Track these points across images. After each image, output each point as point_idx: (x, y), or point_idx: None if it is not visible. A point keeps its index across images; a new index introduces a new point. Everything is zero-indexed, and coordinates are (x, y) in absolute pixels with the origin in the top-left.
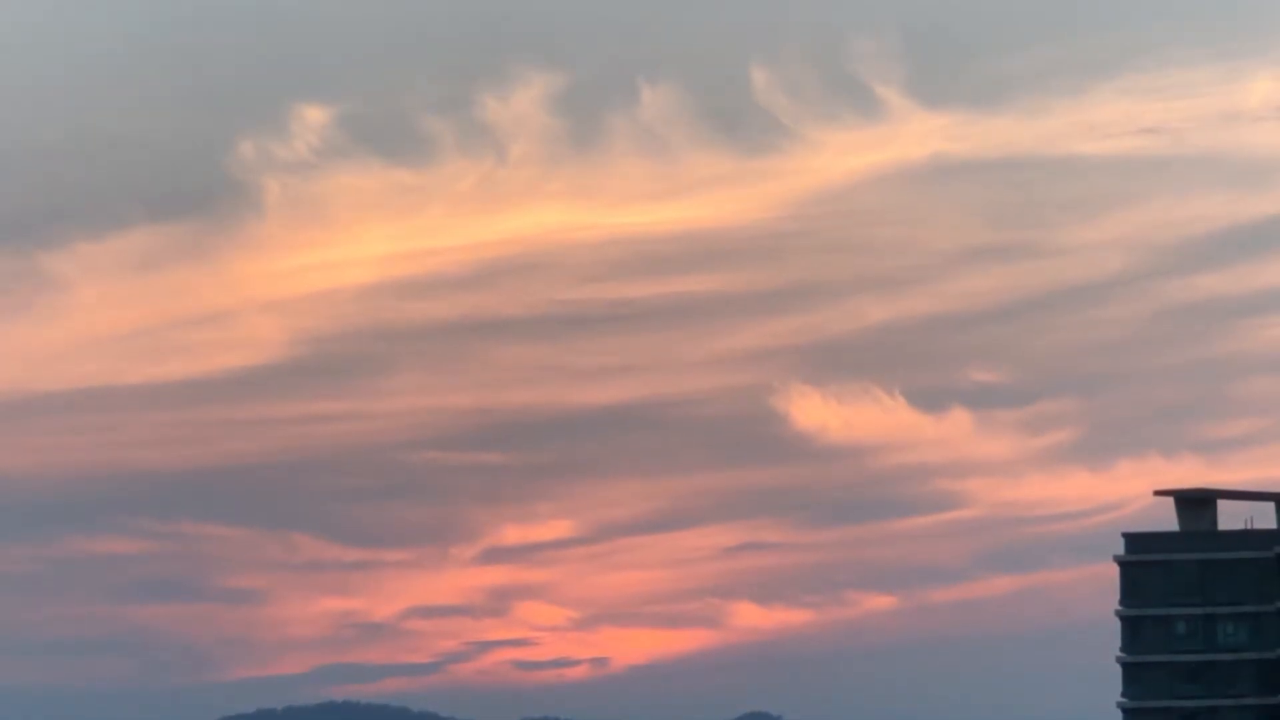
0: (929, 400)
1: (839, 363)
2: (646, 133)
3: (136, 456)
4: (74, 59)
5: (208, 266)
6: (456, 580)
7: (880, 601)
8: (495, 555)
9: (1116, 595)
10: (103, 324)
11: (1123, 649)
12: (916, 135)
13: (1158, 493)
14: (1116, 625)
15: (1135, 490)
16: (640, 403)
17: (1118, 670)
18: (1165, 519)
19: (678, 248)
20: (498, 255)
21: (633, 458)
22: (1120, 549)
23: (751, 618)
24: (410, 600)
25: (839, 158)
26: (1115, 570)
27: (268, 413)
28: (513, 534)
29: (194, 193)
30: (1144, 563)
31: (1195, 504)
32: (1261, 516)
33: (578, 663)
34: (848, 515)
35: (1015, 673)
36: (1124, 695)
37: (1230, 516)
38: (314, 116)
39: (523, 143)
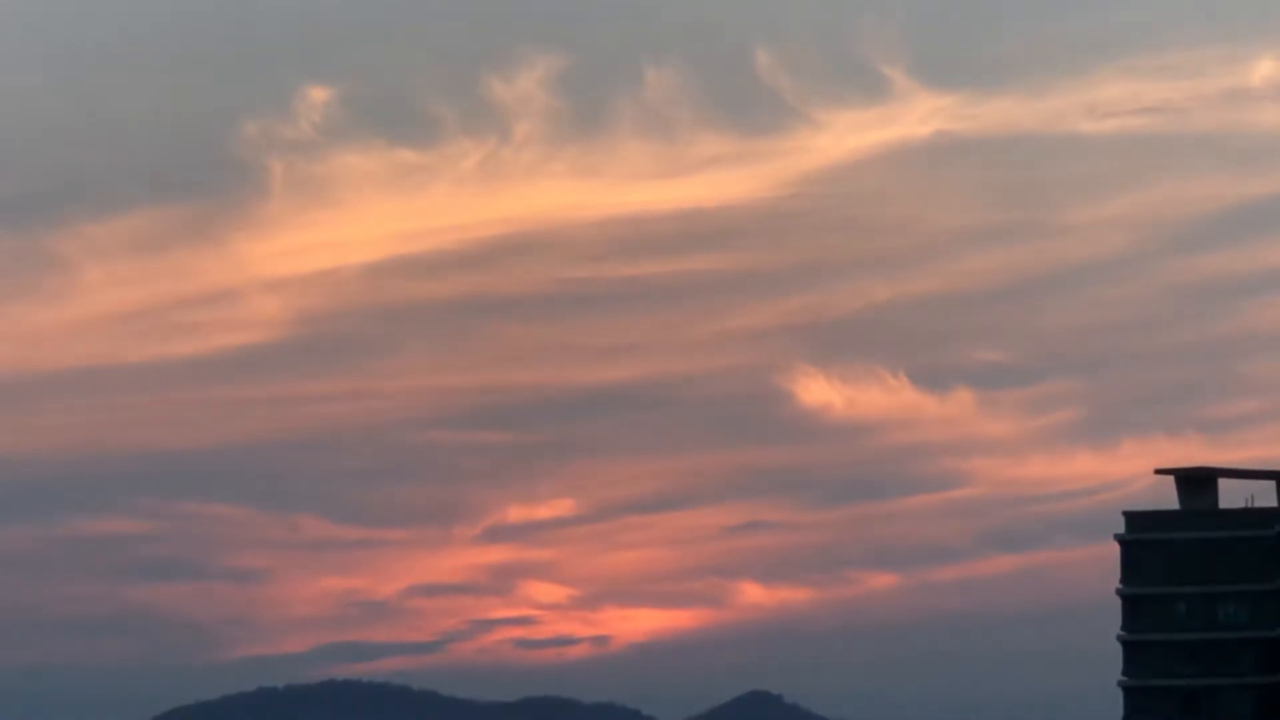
0: (932, 380)
1: (842, 342)
2: (650, 113)
3: (140, 436)
4: (77, 39)
5: (211, 246)
6: (459, 559)
7: (882, 580)
8: (497, 534)
9: (1118, 574)
10: (106, 304)
11: (1123, 628)
12: (920, 115)
13: (1159, 471)
14: (1118, 604)
15: (1138, 469)
16: (644, 382)
17: (1119, 649)
18: (1168, 498)
19: (681, 227)
20: (501, 235)
21: (636, 437)
22: (1121, 528)
23: (754, 596)
24: (412, 579)
25: (843, 137)
26: (1117, 549)
27: (271, 392)
28: (515, 513)
29: (198, 172)
30: (1144, 541)
31: (1196, 483)
32: (1263, 495)
33: (579, 641)
34: (850, 494)
35: (1017, 651)
36: (1125, 674)
37: (1231, 495)
38: (318, 96)
39: (527, 123)
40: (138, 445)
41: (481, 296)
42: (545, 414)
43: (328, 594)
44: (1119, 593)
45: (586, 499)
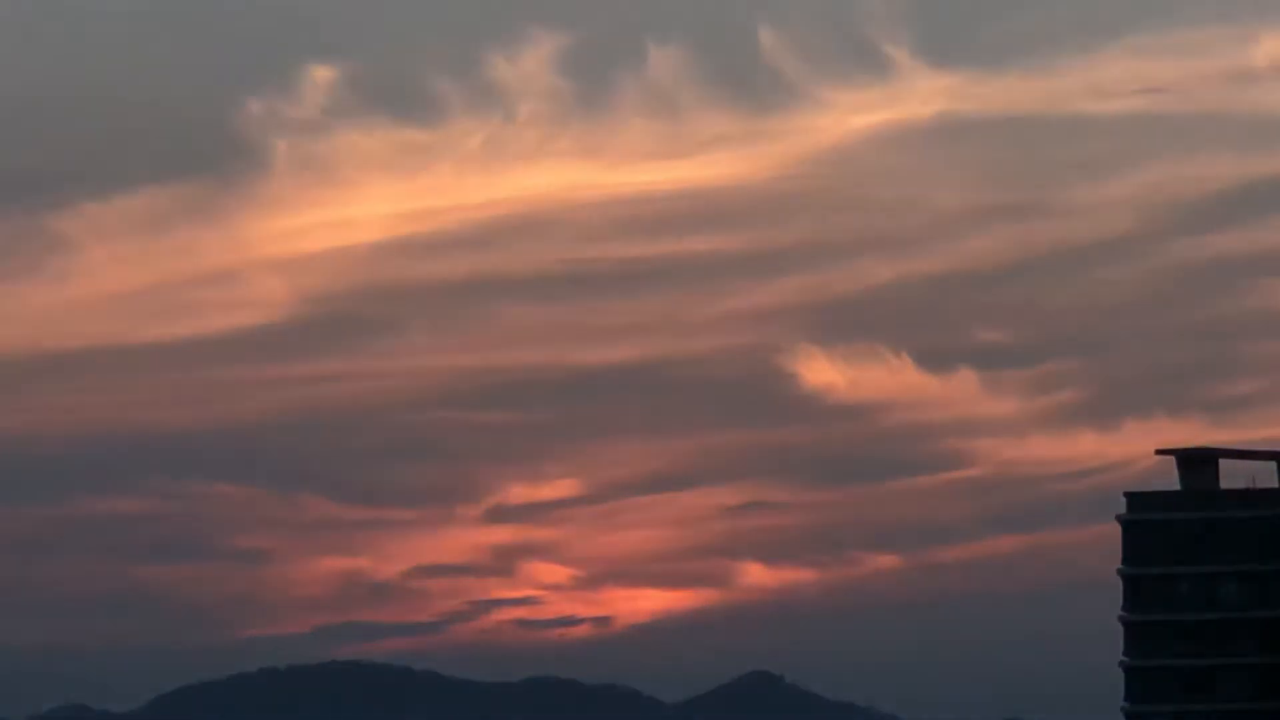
0: (936, 360)
1: (846, 322)
2: (654, 92)
3: (144, 416)
4: (81, 19)
5: (215, 226)
6: (462, 539)
7: (885, 561)
8: (501, 514)
9: (1119, 554)
10: (110, 284)
11: (1125, 608)
12: (924, 95)
13: (1159, 452)
14: (1119, 584)
15: (1141, 450)
16: (646, 362)
17: (1120, 629)
18: (1169, 478)
19: (684, 207)
20: (505, 214)
21: (639, 417)
22: (1123, 508)
23: (756, 577)
24: (415, 560)
25: (846, 117)
26: (1118, 530)
27: (275, 372)
28: (518, 493)
29: (202, 152)
30: (1145, 522)
31: (1197, 463)
32: (1264, 476)
33: (581, 621)
34: (853, 475)
35: (1018, 632)
36: (1126, 654)
37: (1232, 476)
38: (322, 76)
39: (530, 102)
40: (141, 425)
41: (485, 276)
42: (548, 394)
43: (331, 575)
44: (1120, 573)
45: (589, 479)
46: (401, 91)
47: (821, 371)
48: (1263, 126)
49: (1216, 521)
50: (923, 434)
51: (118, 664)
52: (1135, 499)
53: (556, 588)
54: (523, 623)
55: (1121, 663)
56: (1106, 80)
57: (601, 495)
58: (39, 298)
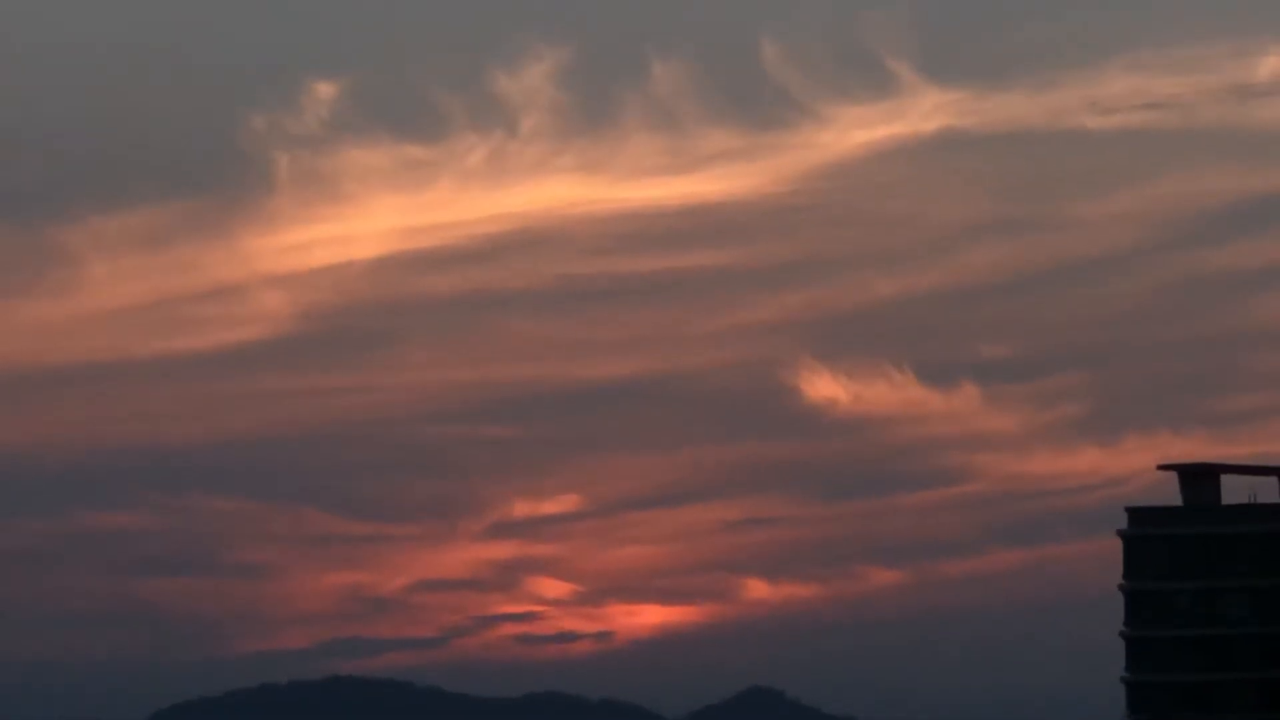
0: (938, 374)
1: (848, 337)
2: (657, 107)
3: (145, 430)
4: (83, 33)
5: (217, 240)
6: (463, 554)
7: (887, 576)
8: (503, 529)
9: (1120, 569)
10: (112, 298)
11: (1126, 623)
12: (926, 109)
13: (1161, 467)
14: (1120, 599)
15: (1142, 465)
16: (649, 377)
17: (1121, 644)
18: (1171, 493)
19: (687, 222)
20: (507, 229)
21: (641, 432)
22: (1124, 523)
23: (758, 592)
24: (417, 574)
25: (849, 132)
26: (1119, 544)
27: (277, 387)
28: (521, 508)
29: (204, 167)
30: (1147, 537)
31: (1198, 478)
32: (1265, 491)
33: (583, 637)
34: (856, 490)
35: (1020, 646)
36: (1127, 669)
37: (1234, 491)
38: (325, 91)
39: (533, 117)
40: (143, 440)
41: (487, 291)
42: (551, 409)
43: (332, 589)
44: (1121, 588)
45: (592, 494)
46: (404, 107)
47: (824, 386)
48: (1264, 142)
49: (1218, 536)
50: (925, 448)
51: (117, 679)
52: (1137, 514)
53: (558, 603)
54: (524, 638)
55: (1123, 678)
56: (1108, 95)
57: (603, 510)
58: (40, 312)
